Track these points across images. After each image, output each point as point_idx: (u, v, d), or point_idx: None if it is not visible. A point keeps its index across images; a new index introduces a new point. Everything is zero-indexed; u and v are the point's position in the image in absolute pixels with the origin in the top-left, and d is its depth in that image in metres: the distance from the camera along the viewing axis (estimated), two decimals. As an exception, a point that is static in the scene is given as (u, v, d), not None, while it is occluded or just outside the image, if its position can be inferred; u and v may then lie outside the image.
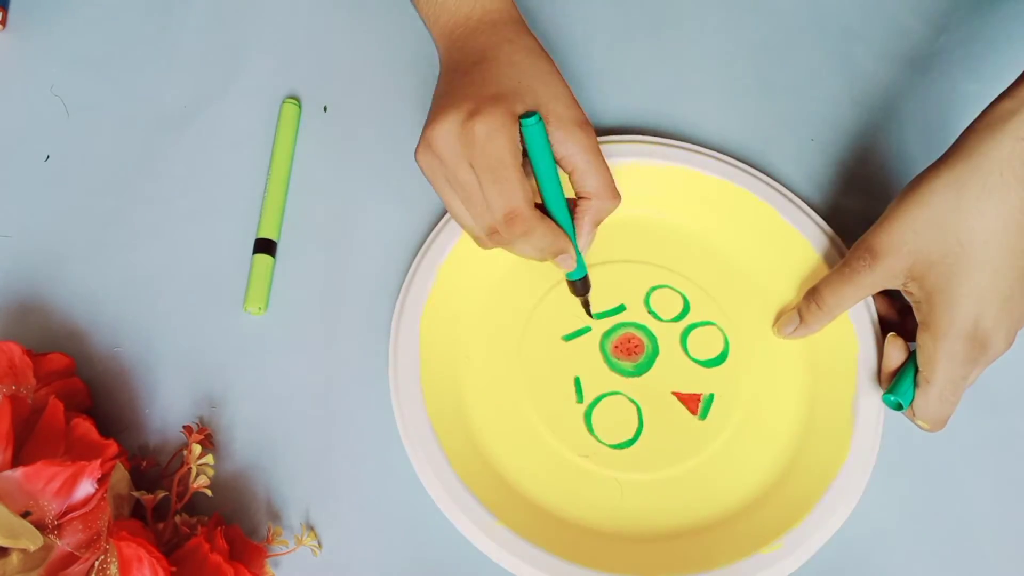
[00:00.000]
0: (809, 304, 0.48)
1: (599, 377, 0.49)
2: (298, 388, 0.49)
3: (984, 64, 0.58)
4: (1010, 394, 0.50)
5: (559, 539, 0.45)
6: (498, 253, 0.48)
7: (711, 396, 0.49)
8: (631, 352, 0.50)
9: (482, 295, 0.51)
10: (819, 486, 0.46)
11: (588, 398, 0.49)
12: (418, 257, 0.50)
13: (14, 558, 0.39)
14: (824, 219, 0.53)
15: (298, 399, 0.49)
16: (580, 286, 0.49)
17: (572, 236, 0.46)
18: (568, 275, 0.49)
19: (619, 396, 0.49)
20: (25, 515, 0.40)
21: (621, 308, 0.51)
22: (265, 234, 0.52)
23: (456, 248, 0.50)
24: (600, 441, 0.48)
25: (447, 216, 0.51)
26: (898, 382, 0.46)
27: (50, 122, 0.56)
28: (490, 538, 0.44)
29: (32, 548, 0.39)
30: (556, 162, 0.44)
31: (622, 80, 0.58)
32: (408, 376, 0.47)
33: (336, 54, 0.58)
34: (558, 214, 0.45)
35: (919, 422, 0.45)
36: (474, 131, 0.41)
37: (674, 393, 0.49)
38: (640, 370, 0.50)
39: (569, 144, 0.43)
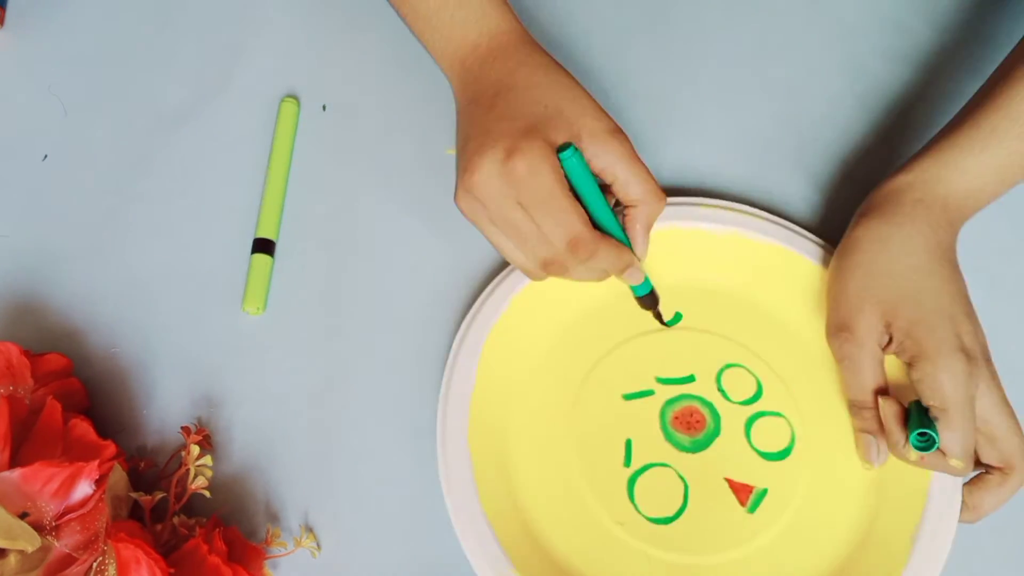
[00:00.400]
0: (860, 414, 0.46)
1: (652, 445, 0.47)
2: (297, 389, 0.49)
3: (985, 64, 0.58)
4: (1010, 394, 0.50)
5: None
6: (571, 295, 0.49)
7: (764, 491, 0.46)
8: (691, 427, 0.48)
9: (549, 338, 0.50)
10: None
11: (636, 464, 0.47)
12: (490, 287, 0.49)
13: (12, 559, 0.39)
14: (825, 218, 0.53)
15: (297, 400, 0.49)
16: (649, 299, 0.49)
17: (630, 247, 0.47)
18: (635, 290, 0.49)
19: (668, 469, 0.47)
20: (23, 516, 0.40)
21: (691, 379, 0.49)
22: (263, 234, 0.52)
23: (530, 285, 0.49)
24: (639, 511, 0.46)
25: (500, 277, 0.50)
26: (913, 424, 0.44)
27: (48, 121, 0.56)
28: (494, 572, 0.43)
29: (30, 549, 0.39)
30: (599, 174, 0.44)
31: (622, 81, 0.58)
32: (458, 408, 0.46)
33: (336, 54, 0.58)
34: (613, 231, 0.45)
35: (953, 461, 0.43)
36: (516, 170, 0.42)
37: (727, 479, 0.47)
38: (697, 447, 0.47)
39: (606, 155, 0.44)
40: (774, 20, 0.60)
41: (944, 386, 0.43)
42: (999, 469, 0.44)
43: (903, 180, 0.47)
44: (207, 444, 0.47)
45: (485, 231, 0.45)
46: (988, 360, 0.45)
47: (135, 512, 0.44)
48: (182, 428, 0.46)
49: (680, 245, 0.51)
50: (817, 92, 0.58)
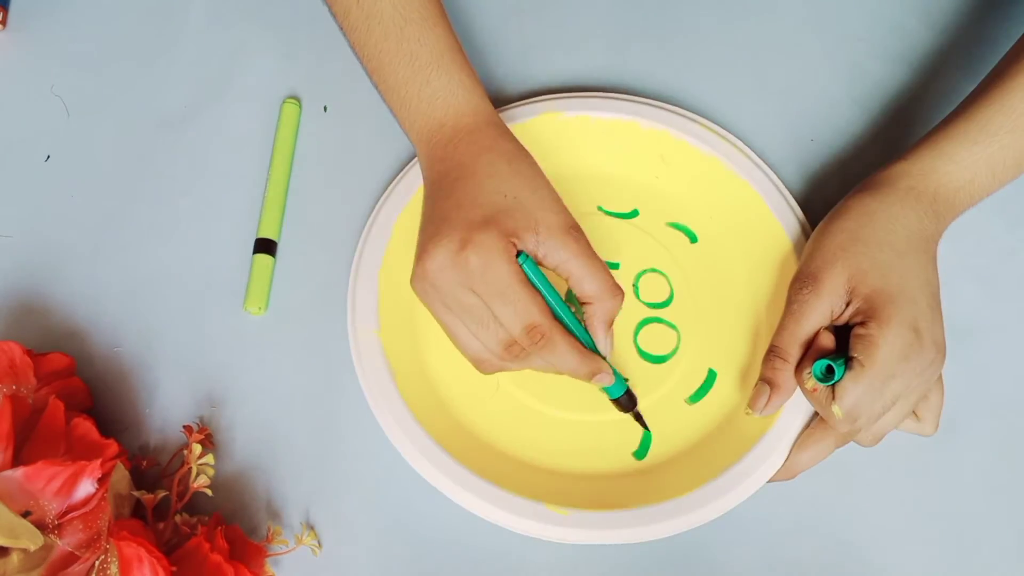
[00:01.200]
0: (772, 362, 0.46)
1: None
2: (299, 388, 0.49)
3: (984, 64, 0.58)
4: (1010, 394, 0.50)
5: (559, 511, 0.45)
6: None
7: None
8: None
9: None
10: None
11: None
12: (374, 212, 0.51)
13: (14, 558, 0.39)
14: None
15: (299, 399, 0.49)
16: (625, 401, 0.48)
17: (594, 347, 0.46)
18: (608, 392, 0.47)
19: None
20: (25, 515, 0.40)
21: (615, 265, 0.52)
22: (265, 234, 0.52)
23: (411, 204, 0.51)
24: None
25: (405, 170, 0.52)
26: (832, 358, 0.44)
27: (50, 122, 0.56)
28: (493, 504, 0.45)
29: (32, 548, 0.39)
30: (554, 270, 0.44)
31: (621, 83, 0.58)
32: (370, 346, 0.48)
33: (336, 54, 0.58)
34: (575, 330, 0.45)
35: (835, 408, 0.43)
36: (469, 263, 0.42)
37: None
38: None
39: (561, 252, 0.44)
40: (772, 21, 0.60)
41: (879, 348, 0.42)
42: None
43: (900, 168, 0.48)
44: (209, 443, 0.47)
45: (441, 317, 0.44)
46: (940, 353, 0.44)
47: (137, 511, 0.44)
48: (184, 427, 0.47)
49: (645, 143, 0.54)
50: (815, 93, 0.58)
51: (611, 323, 0.46)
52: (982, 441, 0.49)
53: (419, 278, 0.44)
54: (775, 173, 0.54)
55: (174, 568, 0.40)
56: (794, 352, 0.45)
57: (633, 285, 0.52)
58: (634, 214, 0.54)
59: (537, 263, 0.44)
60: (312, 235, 0.53)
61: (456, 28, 0.51)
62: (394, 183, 0.52)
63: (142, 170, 0.54)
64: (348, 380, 0.49)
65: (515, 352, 0.44)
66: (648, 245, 0.53)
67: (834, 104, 0.57)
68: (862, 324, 0.43)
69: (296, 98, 0.56)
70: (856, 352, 0.43)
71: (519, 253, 0.43)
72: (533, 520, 0.44)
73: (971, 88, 0.50)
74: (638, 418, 0.48)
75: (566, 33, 0.59)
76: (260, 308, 0.51)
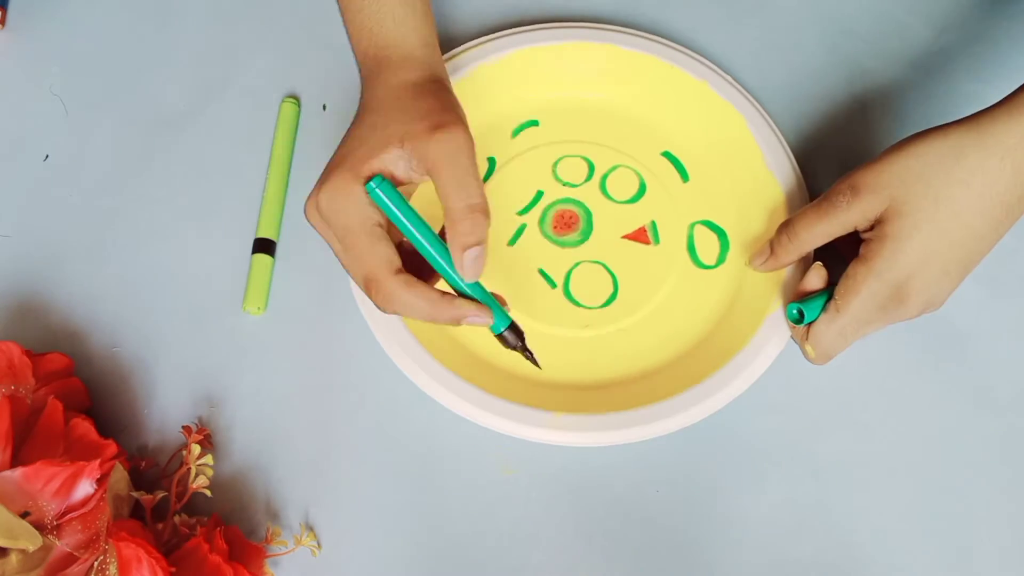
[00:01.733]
0: (781, 237, 0.47)
1: (558, 259, 0.52)
2: (298, 388, 0.49)
3: (984, 64, 0.58)
4: (1010, 394, 0.50)
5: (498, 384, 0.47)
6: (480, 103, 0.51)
7: (653, 222, 0.53)
8: (570, 225, 0.53)
9: None
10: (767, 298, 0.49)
11: (559, 280, 0.52)
12: None
13: (13, 558, 0.39)
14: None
15: (298, 399, 0.49)
16: (509, 337, 0.44)
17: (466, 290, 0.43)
18: (492, 328, 0.44)
19: (583, 265, 0.52)
20: (24, 515, 0.40)
21: (540, 194, 0.54)
22: (264, 234, 0.52)
23: None
24: (590, 308, 0.51)
25: None
26: (808, 300, 0.46)
27: (49, 122, 0.56)
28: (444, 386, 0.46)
29: (31, 548, 0.39)
30: (431, 179, 0.41)
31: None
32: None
33: (336, 54, 0.58)
34: (443, 269, 0.42)
35: (807, 347, 0.46)
36: (321, 203, 0.42)
37: (624, 237, 0.53)
38: (586, 235, 0.52)
39: (425, 158, 0.41)
40: (773, 20, 0.60)
41: (858, 296, 0.43)
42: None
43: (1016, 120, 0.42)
44: (208, 443, 0.47)
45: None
46: (928, 310, 0.44)
47: (136, 511, 0.44)
48: (183, 427, 0.47)
49: (586, 61, 0.56)
50: (815, 92, 0.58)
51: (467, 245, 0.40)
52: (982, 441, 0.49)
53: (305, 213, 0.43)
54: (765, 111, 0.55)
55: (173, 569, 0.40)
56: (803, 236, 0.46)
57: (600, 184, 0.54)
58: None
59: (413, 179, 0.42)
60: (311, 235, 0.53)
61: (449, 13, 0.52)
62: None
63: (141, 170, 0.54)
64: (348, 380, 0.49)
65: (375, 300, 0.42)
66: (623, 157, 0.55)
67: (834, 103, 0.57)
68: (857, 260, 0.44)
69: (295, 97, 0.56)
70: (837, 293, 0.44)
71: (369, 180, 0.41)
72: (532, 425, 0.46)
73: (972, 87, 0.50)
74: (528, 356, 0.44)
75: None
76: (259, 308, 0.50)
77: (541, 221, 0.53)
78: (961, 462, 0.48)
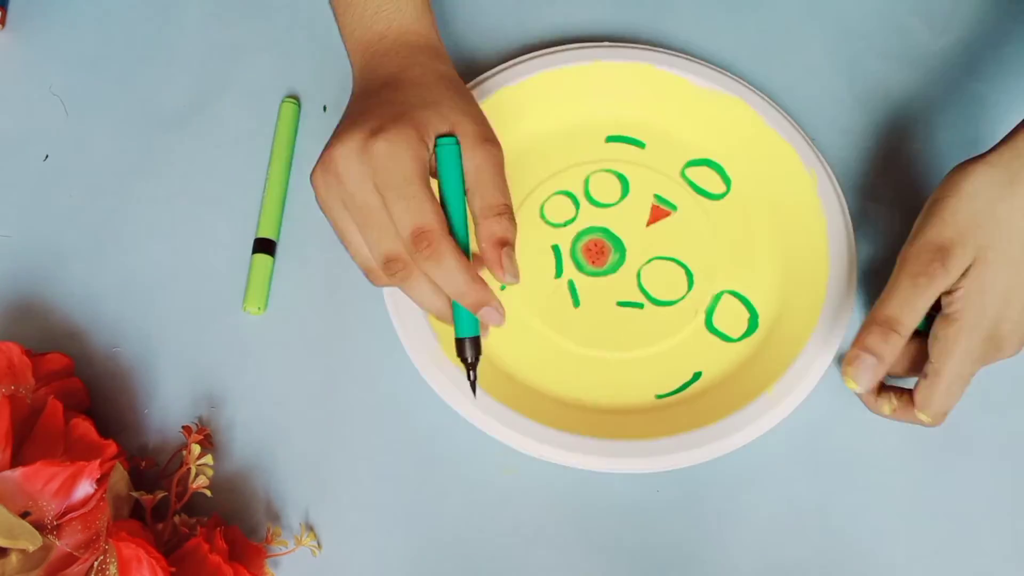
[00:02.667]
0: (887, 335, 0.42)
1: (592, 287, 0.51)
2: (298, 388, 0.49)
3: (985, 64, 0.58)
4: (1010, 394, 0.50)
5: (531, 405, 0.47)
6: (521, 122, 0.51)
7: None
8: (603, 254, 0.52)
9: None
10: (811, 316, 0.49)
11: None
12: None
13: (13, 558, 0.39)
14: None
15: (298, 399, 0.49)
16: (468, 348, 0.42)
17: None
18: (456, 331, 0.42)
19: (595, 280, 0.52)
20: (24, 515, 0.40)
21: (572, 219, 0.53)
22: (264, 234, 0.52)
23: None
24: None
25: None
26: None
27: (49, 122, 0.56)
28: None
29: (31, 548, 0.39)
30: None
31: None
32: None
33: (336, 54, 0.58)
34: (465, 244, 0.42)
35: (921, 415, 0.44)
36: (376, 150, 0.40)
37: (648, 224, 0.53)
38: (615, 267, 0.52)
39: (468, 160, 0.42)
40: (773, 19, 0.60)
41: (953, 357, 0.42)
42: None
43: None
44: (208, 443, 0.47)
45: (333, 214, 0.41)
46: (1017, 351, 0.43)
47: (136, 511, 0.44)
48: (183, 427, 0.47)
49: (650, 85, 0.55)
50: (815, 92, 0.58)
51: (497, 243, 0.41)
52: (982, 441, 0.49)
53: (322, 167, 0.41)
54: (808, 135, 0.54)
55: (173, 569, 0.40)
56: (908, 323, 0.42)
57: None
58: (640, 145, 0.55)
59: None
60: (311, 235, 0.53)
61: (450, 14, 0.52)
62: None
63: (141, 170, 0.54)
64: (348, 379, 0.49)
65: (395, 268, 0.40)
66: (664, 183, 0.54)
67: (835, 102, 0.57)
68: (944, 319, 0.42)
69: (295, 97, 0.56)
70: (932, 356, 0.43)
71: (448, 137, 0.41)
72: (554, 447, 0.46)
73: (972, 87, 0.50)
74: (471, 377, 0.43)
75: (564, 30, 0.59)
76: (259, 308, 0.50)
77: (579, 267, 0.52)
78: (961, 462, 0.48)
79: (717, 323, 0.51)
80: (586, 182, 0.54)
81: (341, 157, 0.40)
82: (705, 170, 0.54)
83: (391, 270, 0.40)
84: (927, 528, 0.47)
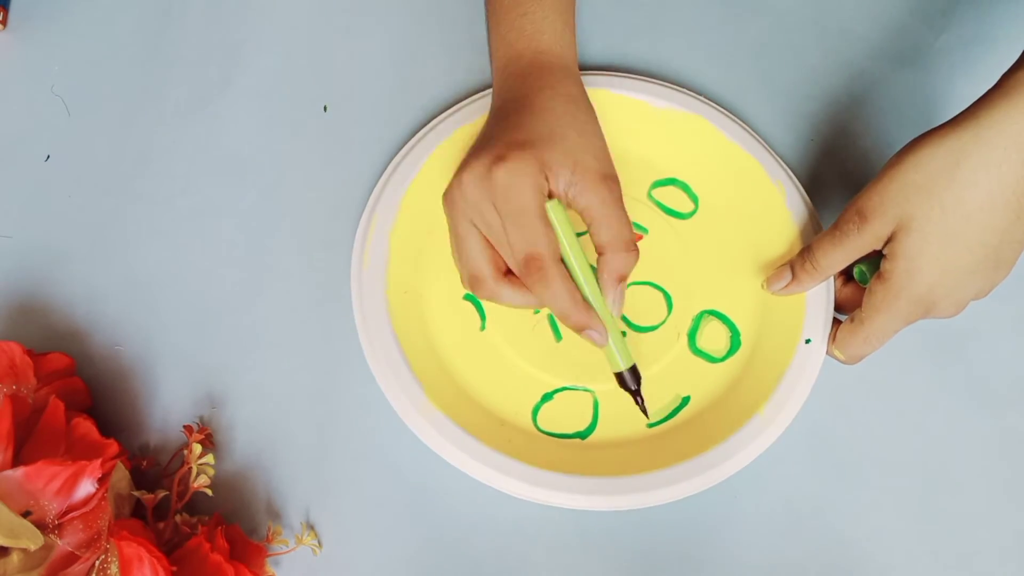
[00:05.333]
0: (804, 263, 0.47)
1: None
2: (298, 388, 0.49)
3: (984, 64, 0.58)
4: (1010, 394, 0.50)
5: (526, 449, 0.46)
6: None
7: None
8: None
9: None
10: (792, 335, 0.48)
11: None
12: (411, 142, 0.52)
13: (15, 557, 0.39)
14: (825, 217, 0.53)
15: (298, 399, 0.49)
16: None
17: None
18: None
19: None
20: (26, 515, 0.40)
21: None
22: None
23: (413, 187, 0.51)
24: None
25: (408, 145, 0.52)
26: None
27: (50, 122, 0.56)
28: (458, 448, 0.45)
29: (33, 547, 0.39)
30: (580, 214, 0.44)
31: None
32: (377, 247, 0.49)
33: (336, 54, 0.58)
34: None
35: (836, 352, 0.47)
36: (497, 177, 0.43)
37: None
38: None
39: (590, 196, 0.43)
40: (772, 20, 0.60)
41: (880, 314, 0.44)
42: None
43: (1021, 78, 0.41)
44: (209, 443, 0.47)
45: (457, 227, 0.45)
46: (959, 310, 0.44)
47: (137, 510, 0.44)
48: (184, 427, 0.47)
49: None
50: (815, 93, 0.58)
51: (622, 277, 0.45)
52: (982, 440, 0.49)
53: (453, 187, 0.44)
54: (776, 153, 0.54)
55: (174, 568, 0.40)
56: (823, 263, 0.46)
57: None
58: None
59: (566, 203, 0.44)
60: (312, 235, 0.53)
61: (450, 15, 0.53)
62: (399, 157, 0.52)
63: (142, 170, 0.55)
64: (348, 379, 0.49)
65: (511, 278, 0.44)
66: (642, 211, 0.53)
67: (834, 103, 0.57)
68: (877, 277, 0.44)
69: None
70: (863, 305, 0.45)
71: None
72: (545, 488, 0.45)
73: (972, 87, 0.49)
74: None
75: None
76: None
77: None
78: (961, 461, 0.48)
79: (701, 344, 0.50)
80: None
81: (468, 182, 0.44)
82: (672, 189, 0.54)
83: (528, 274, 0.43)
84: (927, 528, 0.47)
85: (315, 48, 0.58)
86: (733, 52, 0.59)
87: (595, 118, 0.47)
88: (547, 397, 0.49)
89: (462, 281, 0.46)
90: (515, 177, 0.42)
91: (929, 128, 0.43)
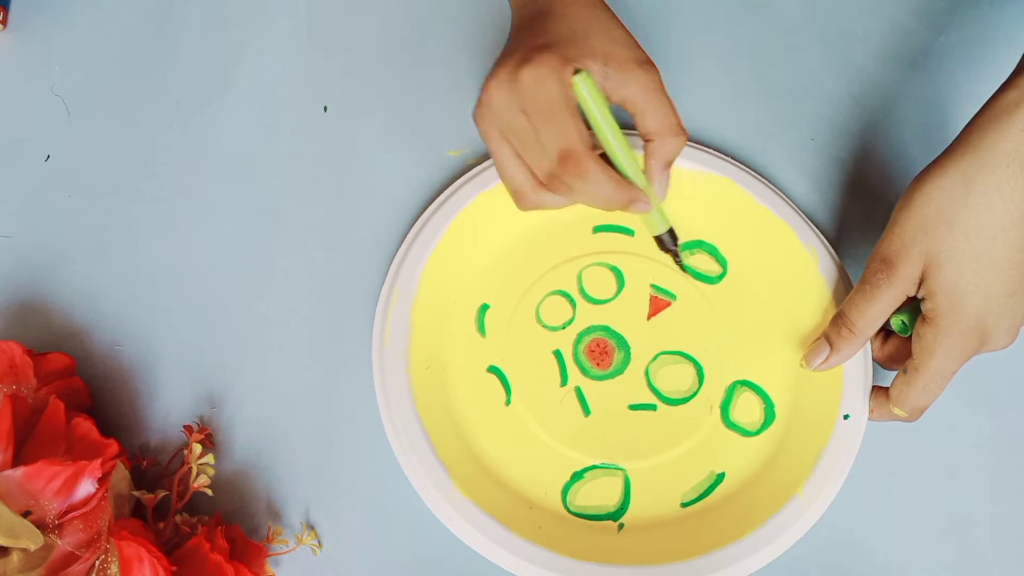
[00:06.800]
0: (839, 329, 0.46)
1: (589, 387, 0.49)
2: (298, 388, 0.49)
3: (984, 64, 0.58)
4: (1010, 394, 0.50)
5: (557, 536, 0.45)
6: (510, 219, 0.49)
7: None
8: (604, 356, 0.50)
9: (489, 258, 0.51)
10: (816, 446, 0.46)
11: (572, 383, 0.49)
12: (431, 208, 0.51)
13: (15, 557, 0.39)
14: (825, 218, 0.53)
15: (298, 399, 0.49)
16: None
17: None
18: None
19: (599, 385, 0.49)
20: (26, 514, 0.40)
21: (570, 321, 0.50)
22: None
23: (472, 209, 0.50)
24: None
25: (439, 200, 0.51)
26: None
27: (50, 122, 0.56)
28: (488, 538, 0.44)
29: (33, 547, 0.39)
30: (622, 104, 0.43)
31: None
32: (399, 319, 0.48)
33: (336, 54, 0.58)
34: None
35: (897, 410, 0.45)
36: (523, 79, 0.41)
37: (649, 318, 0.50)
38: (622, 368, 0.49)
39: (630, 85, 0.42)
40: (774, 20, 0.60)
41: (934, 357, 0.42)
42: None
43: (1009, 99, 0.42)
44: (209, 443, 0.47)
45: (493, 144, 0.44)
46: (1012, 338, 0.43)
47: (138, 510, 0.44)
48: (184, 427, 0.47)
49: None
50: (815, 93, 0.58)
51: (670, 162, 0.44)
52: (982, 441, 0.49)
53: (481, 101, 0.43)
54: (804, 213, 0.53)
55: (174, 568, 0.40)
56: (860, 324, 0.45)
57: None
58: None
59: (606, 96, 0.43)
60: (312, 235, 0.53)
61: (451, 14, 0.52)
62: (425, 216, 0.51)
63: (142, 169, 0.55)
64: (348, 380, 0.49)
65: (551, 181, 0.43)
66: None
67: (834, 103, 0.57)
68: (922, 321, 0.43)
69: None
70: (915, 352, 0.43)
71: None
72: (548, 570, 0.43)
73: (971, 88, 0.50)
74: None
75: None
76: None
77: (584, 372, 0.49)
78: (961, 462, 0.48)
79: (734, 417, 0.48)
80: (579, 278, 0.51)
81: (493, 88, 0.42)
82: (699, 253, 0.52)
83: (550, 186, 0.43)
84: (927, 528, 0.47)
85: (315, 48, 0.58)
86: (729, 51, 0.59)
87: (615, 16, 0.45)
88: (577, 476, 0.47)
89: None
90: (540, 75, 0.41)
91: (927, 127, 0.44)
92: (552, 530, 0.45)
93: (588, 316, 0.50)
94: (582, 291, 0.51)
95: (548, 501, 0.47)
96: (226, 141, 0.55)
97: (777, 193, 0.52)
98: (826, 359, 0.46)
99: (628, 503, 0.47)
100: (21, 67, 0.57)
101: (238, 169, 0.55)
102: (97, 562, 0.40)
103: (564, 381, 0.49)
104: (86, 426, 0.43)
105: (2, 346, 0.44)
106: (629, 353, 0.50)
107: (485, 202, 0.51)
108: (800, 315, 0.50)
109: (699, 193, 0.52)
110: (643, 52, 0.44)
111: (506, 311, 0.51)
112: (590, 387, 0.49)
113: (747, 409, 0.49)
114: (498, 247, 0.52)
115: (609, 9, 0.46)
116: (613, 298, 0.51)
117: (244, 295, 0.51)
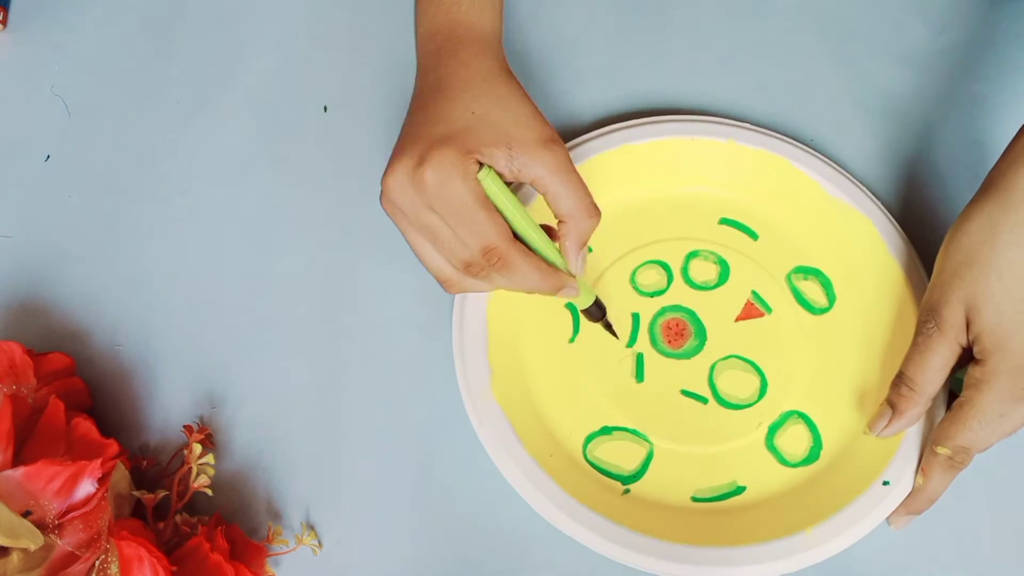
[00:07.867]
0: (899, 389, 0.45)
1: (692, 373, 0.49)
2: (298, 388, 0.49)
3: (984, 64, 0.58)
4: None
5: (563, 471, 0.46)
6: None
7: (754, 291, 0.50)
8: (682, 334, 0.50)
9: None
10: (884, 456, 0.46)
11: (706, 392, 0.49)
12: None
13: (15, 557, 0.39)
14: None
15: (298, 399, 0.49)
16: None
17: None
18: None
19: (719, 365, 0.49)
20: (26, 514, 0.40)
21: (637, 318, 0.50)
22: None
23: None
24: (747, 405, 0.48)
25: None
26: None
27: (50, 122, 0.56)
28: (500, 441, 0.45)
29: (33, 547, 0.39)
30: (532, 185, 0.43)
31: (621, 79, 0.58)
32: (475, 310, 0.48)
33: (336, 54, 0.58)
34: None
35: (939, 448, 0.44)
36: (425, 180, 0.41)
37: (737, 320, 0.50)
38: (702, 338, 0.50)
39: (536, 167, 0.42)
40: (772, 20, 0.60)
41: (984, 396, 0.42)
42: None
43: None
44: (209, 443, 0.47)
45: (406, 235, 0.43)
46: None
47: (138, 510, 0.44)
48: (184, 427, 0.47)
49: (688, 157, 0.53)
50: (814, 93, 0.58)
51: (584, 243, 0.44)
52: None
53: (383, 196, 0.43)
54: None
55: (174, 568, 0.40)
56: (919, 381, 0.44)
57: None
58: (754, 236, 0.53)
59: (514, 179, 0.42)
60: (312, 234, 0.53)
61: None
62: None
63: (142, 169, 0.55)
64: (348, 379, 0.49)
65: (475, 271, 0.43)
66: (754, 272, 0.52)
67: (834, 104, 0.57)
68: (974, 363, 0.43)
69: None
70: (964, 393, 0.43)
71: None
72: (581, 526, 0.44)
73: (971, 87, 0.50)
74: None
75: (563, 31, 0.59)
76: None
77: (653, 343, 0.50)
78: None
79: (778, 443, 0.48)
80: (687, 259, 0.52)
81: (394, 188, 0.42)
82: (812, 280, 0.52)
83: (471, 273, 0.43)
84: (927, 528, 0.47)
85: (315, 48, 0.58)
86: (729, 51, 0.59)
87: (518, 87, 0.44)
88: (606, 431, 0.48)
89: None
90: (443, 175, 0.40)
91: (927, 127, 0.44)
92: (561, 465, 0.46)
93: (679, 295, 0.51)
94: (684, 271, 0.52)
95: (569, 442, 0.47)
96: (226, 141, 0.55)
97: (912, 250, 0.50)
98: (889, 423, 0.45)
99: (643, 474, 0.47)
100: (21, 67, 0.57)
101: (238, 169, 0.55)
102: (97, 562, 0.40)
103: (632, 342, 0.50)
104: (86, 426, 0.43)
105: (2, 346, 0.44)
106: (704, 344, 0.50)
107: (620, 155, 0.52)
108: (886, 374, 0.48)
109: (834, 222, 0.52)
110: (549, 129, 0.43)
111: (605, 260, 0.52)
112: (652, 359, 0.49)
113: (794, 440, 0.48)
114: (616, 204, 0.52)
115: (511, 80, 0.45)
116: (711, 288, 0.51)
117: (244, 295, 0.51)
